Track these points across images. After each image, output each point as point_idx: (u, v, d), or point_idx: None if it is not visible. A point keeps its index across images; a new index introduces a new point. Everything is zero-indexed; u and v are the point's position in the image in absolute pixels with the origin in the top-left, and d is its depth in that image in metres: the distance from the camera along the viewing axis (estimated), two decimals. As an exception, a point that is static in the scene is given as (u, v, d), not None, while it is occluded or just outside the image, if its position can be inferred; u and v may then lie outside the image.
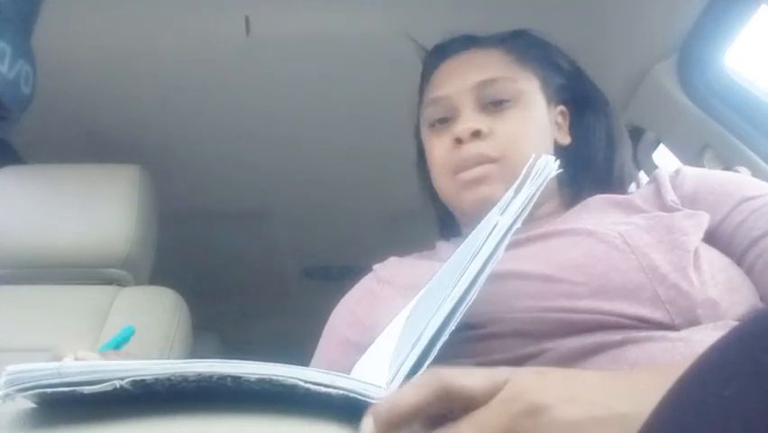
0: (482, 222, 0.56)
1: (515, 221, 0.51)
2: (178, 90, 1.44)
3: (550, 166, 0.56)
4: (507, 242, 0.49)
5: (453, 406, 0.36)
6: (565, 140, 0.79)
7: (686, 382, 0.29)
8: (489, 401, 0.36)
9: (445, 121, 0.76)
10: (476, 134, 0.72)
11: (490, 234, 0.49)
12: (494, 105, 0.73)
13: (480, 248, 0.47)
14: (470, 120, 0.72)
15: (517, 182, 0.54)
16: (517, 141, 0.72)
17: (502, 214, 0.51)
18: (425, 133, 0.80)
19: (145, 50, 1.32)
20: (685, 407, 0.28)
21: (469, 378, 0.36)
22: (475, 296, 0.45)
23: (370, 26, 1.28)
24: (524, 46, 0.79)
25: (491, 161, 0.71)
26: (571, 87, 0.81)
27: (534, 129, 0.74)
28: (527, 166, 0.55)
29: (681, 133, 1.16)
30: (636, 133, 1.33)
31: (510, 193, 0.53)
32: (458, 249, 0.59)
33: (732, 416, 0.24)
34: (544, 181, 0.54)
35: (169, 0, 1.23)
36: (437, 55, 0.83)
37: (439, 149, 0.75)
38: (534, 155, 0.57)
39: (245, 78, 1.40)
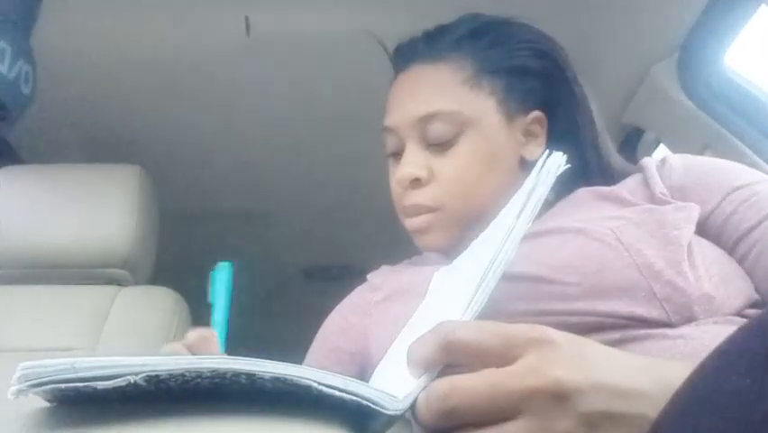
0: (490, 227, 0.55)
1: (528, 224, 0.49)
2: (178, 90, 1.44)
3: (559, 162, 0.53)
4: (517, 245, 0.48)
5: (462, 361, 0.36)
6: (535, 153, 0.70)
7: (702, 373, 0.29)
8: (508, 357, 0.35)
9: (397, 152, 0.72)
10: (415, 182, 0.68)
11: (507, 239, 0.47)
12: (437, 143, 0.68)
13: (499, 254, 0.46)
14: (410, 163, 0.68)
15: (530, 185, 0.52)
16: (462, 183, 0.68)
17: (518, 218, 0.49)
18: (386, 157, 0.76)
19: (145, 49, 1.32)
20: (702, 398, 0.28)
21: (475, 332, 0.36)
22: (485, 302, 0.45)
23: (371, 26, 1.28)
24: (483, 50, 0.71)
25: (431, 210, 0.68)
26: (545, 87, 0.72)
27: (484, 161, 0.68)
28: (539, 164, 0.53)
29: (680, 133, 1.16)
30: (636, 133, 1.33)
31: (524, 196, 0.51)
32: (463, 255, 0.58)
33: (749, 408, 0.24)
34: (553, 179, 0.53)
35: (168, 0, 1.23)
36: (395, 65, 0.77)
37: (392, 182, 0.73)
38: (546, 152, 0.54)
39: (245, 78, 1.40)
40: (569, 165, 0.54)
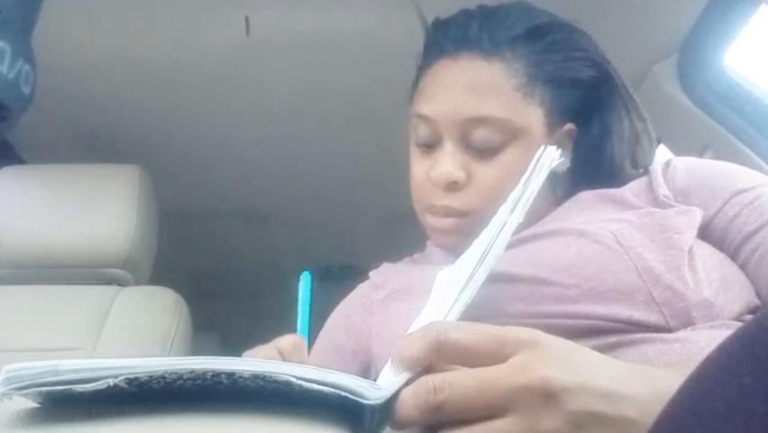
0: (490, 224, 0.55)
1: (520, 217, 0.50)
2: (178, 90, 1.44)
3: (553, 156, 0.53)
4: (508, 240, 0.48)
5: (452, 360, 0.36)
6: (563, 164, 0.69)
7: (706, 370, 0.29)
8: (499, 358, 0.35)
9: (430, 144, 0.69)
10: (452, 184, 0.65)
11: (500, 233, 0.47)
12: (481, 149, 0.65)
13: (490, 249, 0.46)
14: (449, 163, 0.65)
15: (524, 178, 0.52)
16: (497, 193, 0.63)
17: (512, 212, 0.49)
18: (411, 143, 0.73)
19: (145, 49, 1.32)
20: (705, 395, 0.28)
21: (468, 334, 0.36)
22: (473, 295, 0.45)
23: (371, 26, 1.28)
24: (538, 55, 0.67)
25: (461, 215, 0.66)
26: (587, 99, 0.70)
27: (522, 173, 0.65)
28: (534, 160, 0.53)
29: (681, 134, 1.16)
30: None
31: (518, 192, 0.51)
32: (465, 253, 0.58)
33: (753, 404, 0.24)
34: (547, 173, 0.53)
35: (168, 0, 1.23)
36: (436, 43, 0.71)
37: (418, 173, 0.70)
38: (541, 147, 0.54)
39: (245, 78, 1.40)
40: (563, 159, 0.54)
